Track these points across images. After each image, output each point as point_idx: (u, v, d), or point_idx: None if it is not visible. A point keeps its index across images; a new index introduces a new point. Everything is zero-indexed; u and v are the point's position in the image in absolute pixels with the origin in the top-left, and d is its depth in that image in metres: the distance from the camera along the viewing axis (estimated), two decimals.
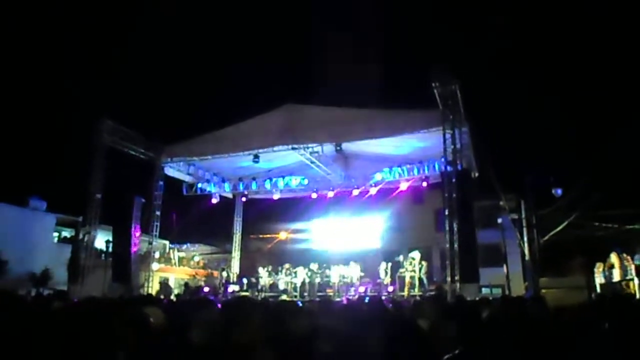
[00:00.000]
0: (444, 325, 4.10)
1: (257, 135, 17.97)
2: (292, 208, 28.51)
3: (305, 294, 18.91)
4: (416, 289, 17.27)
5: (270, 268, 20.90)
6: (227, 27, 64.77)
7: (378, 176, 20.32)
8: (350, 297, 16.78)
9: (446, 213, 14.72)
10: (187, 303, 6.88)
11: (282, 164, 20.53)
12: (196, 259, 33.01)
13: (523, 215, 20.73)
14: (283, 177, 21.52)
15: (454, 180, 14.62)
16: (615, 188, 19.70)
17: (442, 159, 15.58)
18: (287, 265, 20.32)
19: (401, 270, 18.06)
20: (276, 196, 22.91)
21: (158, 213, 20.34)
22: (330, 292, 19.02)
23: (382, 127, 16.61)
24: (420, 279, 17.53)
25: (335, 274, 19.35)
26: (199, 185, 22.08)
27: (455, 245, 14.06)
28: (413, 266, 17.73)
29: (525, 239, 20.52)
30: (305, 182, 21.55)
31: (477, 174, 18.19)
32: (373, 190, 21.02)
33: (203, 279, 27.67)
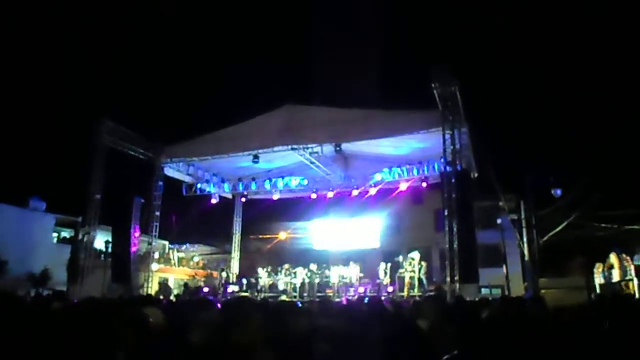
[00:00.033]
0: (444, 325, 4.11)
1: (256, 136, 17.97)
2: (291, 208, 28.55)
3: (305, 294, 18.91)
4: (416, 290, 17.27)
5: (269, 268, 20.90)
6: (227, 28, 64.79)
7: (377, 176, 20.32)
8: (350, 298, 16.79)
9: (446, 213, 14.72)
10: (187, 303, 6.88)
11: (281, 164, 20.53)
12: (196, 259, 32.99)
13: (522, 216, 20.74)
14: (283, 177, 21.52)
15: (453, 180, 14.62)
16: (615, 188, 19.71)
17: (442, 160, 15.58)
18: (286, 266, 20.32)
19: (401, 270, 18.06)
20: (276, 196, 22.91)
21: (157, 213, 20.33)
22: (329, 292, 19.01)
23: (381, 128, 16.62)
24: (419, 280, 17.53)
25: (334, 275, 19.36)
26: (199, 185, 22.07)
27: (455, 246, 14.06)
28: (412, 266, 17.73)
29: (525, 239, 20.53)
30: (305, 182, 21.55)
31: (476, 175, 18.20)
32: (372, 191, 21.02)
33: (202, 279, 27.66)
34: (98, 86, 48.16)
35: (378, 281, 18.75)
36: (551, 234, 20.66)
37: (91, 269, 17.90)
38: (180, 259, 31.09)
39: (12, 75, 44.17)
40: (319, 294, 18.59)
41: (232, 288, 20.88)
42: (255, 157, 18.42)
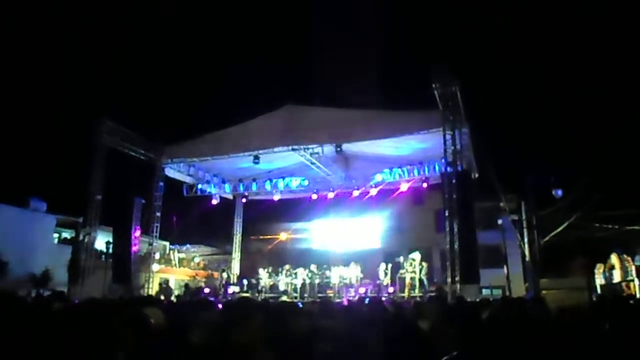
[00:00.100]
0: (444, 326, 4.11)
1: (257, 136, 17.97)
2: (292, 209, 28.53)
3: (306, 295, 18.92)
4: (416, 290, 17.26)
5: (270, 269, 20.89)
6: (227, 28, 64.81)
7: (378, 177, 20.32)
8: (351, 298, 16.78)
9: (446, 214, 14.71)
10: (188, 304, 6.89)
11: (282, 165, 20.53)
12: (196, 260, 33.00)
13: (523, 216, 20.72)
14: (283, 178, 21.53)
15: (454, 181, 14.61)
16: (616, 189, 19.68)
17: (443, 160, 15.57)
18: (287, 266, 20.32)
19: (401, 271, 18.06)
20: (276, 197, 22.92)
21: (158, 214, 20.33)
22: (330, 293, 19.02)
23: (382, 128, 16.62)
24: (420, 280, 17.53)
25: (335, 275, 19.36)
26: (199, 186, 22.07)
27: (456, 246, 14.04)
28: (413, 267, 17.73)
29: (526, 240, 20.51)
30: (306, 183, 21.55)
31: (477, 175, 18.19)
32: (373, 191, 21.01)
33: (203, 280, 27.65)
34: (98, 86, 48.21)
35: (378, 282, 18.75)
36: (552, 234, 20.64)
37: (92, 269, 17.90)
38: (181, 260, 31.10)
39: (13, 75, 44.21)
40: (320, 295, 18.61)
41: (232, 289, 20.88)
42: (256, 157, 18.42)
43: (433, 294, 14.88)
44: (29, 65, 49.00)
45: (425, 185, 19.82)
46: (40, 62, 51.88)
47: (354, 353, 3.47)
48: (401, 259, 18.69)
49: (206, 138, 19.11)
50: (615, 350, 3.40)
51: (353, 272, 19.09)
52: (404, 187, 20.32)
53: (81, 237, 19.84)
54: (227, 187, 22.63)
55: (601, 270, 19.06)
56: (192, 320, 3.58)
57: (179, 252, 31.83)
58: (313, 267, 19.80)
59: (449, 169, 14.96)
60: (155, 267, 22.02)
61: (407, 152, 18.56)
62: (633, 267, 16.92)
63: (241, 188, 22.54)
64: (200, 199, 22.78)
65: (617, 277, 17.93)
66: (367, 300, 8.50)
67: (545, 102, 41.89)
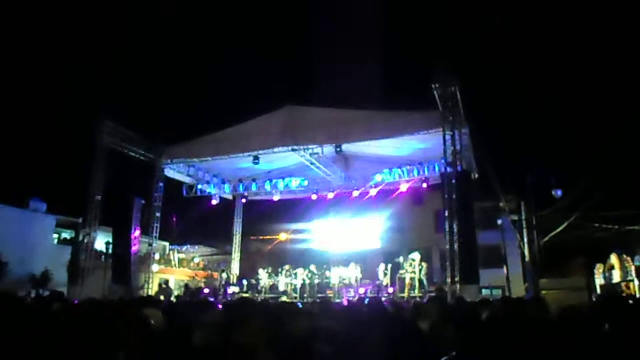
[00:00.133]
0: (444, 326, 4.11)
1: (257, 137, 17.97)
2: (292, 209, 28.53)
3: (305, 295, 18.91)
4: (416, 290, 17.26)
5: (270, 269, 20.88)
6: (227, 29, 64.82)
7: (378, 177, 20.32)
8: (350, 299, 16.78)
9: (446, 214, 14.72)
10: (188, 304, 6.89)
11: (282, 165, 20.53)
12: (196, 260, 33.01)
13: (523, 217, 20.71)
14: (283, 178, 21.54)
15: (453, 181, 14.62)
16: (616, 189, 19.68)
17: (442, 160, 15.59)
18: (287, 267, 20.32)
19: (401, 271, 18.06)
20: (276, 197, 22.93)
21: (158, 214, 20.34)
22: (330, 293, 19.01)
23: (382, 129, 16.62)
24: (420, 280, 17.52)
25: (335, 276, 19.36)
26: (199, 186, 22.07)
27: (455, 247, 14.06)
28: (413, 267, 17.73)
29: (525, 240, 20.50)
30: (305, 183, 21.56)
31: (477, 175, 18.20)
32: (373, 192, 21.02)
33: (203, 280, 27.65)
34: (99, 87, 48.20)
35: (378, 282, 18.75)
36: (552, 234, 20.62)
37: (92, 270, 17.89)
38: (180, 260, 31.12)
39: (13, 76, 44.20)
40: (319, 295, 18.60)
41: (232, 289, 20.88)
42: (256, 158, 18.42)
43: (433, 294, 14.92)
44: (29, 65, 48.99)
45: (425, 185, 19.82)
46: (40, 62, 51.89)
47: (354, 353, 3.48)
48: (401, 259, 18.68)
49: (206, 138, 19.11)
50: (615, 350, 3.40)
51: (353, 273, 19.08)
52: (403, 187, 20.33)
53: (81, 238, 19.85)
54: (227, 187, 22.63)
55: (601, 271, 19.05)
56: (193, 321, 3.58)
57: (178, 252, 31.86)
58: (313, 267, 19.79)
59: (448, 169, 14.97)
60: (155, 267, 22.02)
61: (406, 153, 18.56)
62: (633, 268, 16.90)
63: (241, 188, 22.54)
64: (200, 199, 22.78)
65: (616, 277, 17.91)
66: (366, 301, 8.51)
67: (545, 102, 41.92)
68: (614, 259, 18.05)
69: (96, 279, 18.12)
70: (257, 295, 19.64)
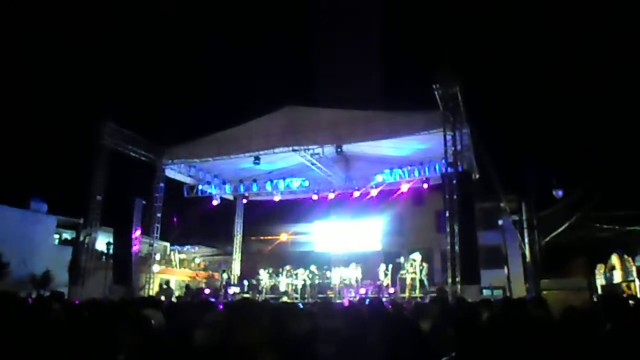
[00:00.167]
0: (444, 327, 4.11)
1: (257, 137, 17.97)
2: (293, 210, 28.55)
3: (306, 296, 18.91)
4: (417, 291, 17.24)
5: (271, 270, 20.87)
6: (228, 29, 64.84)
7: (379, 178, 20.31)
8: (351, 299, 16.78)
9: (447, 215, 14.70)
10: (188, 305, 6.89)
11: (283, 165, 20.52)
12: (197, 260, 33.05)
13: (524, 217, 20.72)
14: (284, 178, 21.53)
15: (454, 181, 14.60)
16: (617, 189, 19.67)
17: (443, 161, 15.56)
18: (287, 267, 20.31)
19: (402, 271, 18.05)
20: (277, 198, 22.93)
21: (159, 215, 20.32)
22: (331, 294, 19.00)
23: (382, 129, 16.60)
24: (421, 281, 17.51)
25: (336, 276, 19.35)
26: (200, 187, 22.06)
27: (456, 247, 14.03)
28: (414, 268, 17.72)
29: (526, 240, 20.51)
30: (306, 183, 21.55)
31: (477, 176, 18.18)
32: (374, 192, 21.00)
33: (204, 280, 27.69)
34: (100, 87, 48.23)
35: (379, 282, 18.75)
36: (553, 235, 20.65)
37: (92, 270, 17.89)
38: (181, 261, 31.16)
39: (14, 76, 44.25)
40: (320, 296, 18.59)
41: (233, 289, 20.87)
42: (257, 158, 18.41)
43: (434, 295, 14.91)
44: (30, 66, 49.03)
45: (425, 186, 19.80)
46: (42, 63, 51.94)
47: (355, 354, 3.48)
48: (402, 259, 18.68)
49: (207, 139, 19.11)
50: (617, 350, 3.40)
51: (353, 273, 19.07)
52: (404, 187, 20.31)
53: (82, 238, 19.86)
54: (228, 187, 22.62)
55: (602, 271, 19.06)
56: (194, 322, 3.58)
57: (179, 252, 31.89)
58: (313, 268, 19.79)
59: (449, 169, 14.95)
60: (155, 268, 22.01)
61: (407, 153, 18.55)
62: (634, 268, 16.91)
63: (242, 189, 22.53)
64: (201, 200, 22.77)
65: (617, 277, 17.92)
66: (367, 301, 8.50)
67: (546, 102, 41.90)
68: (615, 259, 18.06)
69: (97, 279, 18.13)
70: (258, 295, 19.63)
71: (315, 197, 22.04)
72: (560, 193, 19.22)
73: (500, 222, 22.47)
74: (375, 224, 24.31)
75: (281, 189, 21.95)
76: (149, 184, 20.04)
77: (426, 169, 18.65)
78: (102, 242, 22.22)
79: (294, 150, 17.94)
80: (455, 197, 14.41)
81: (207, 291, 21.84)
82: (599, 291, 17.97)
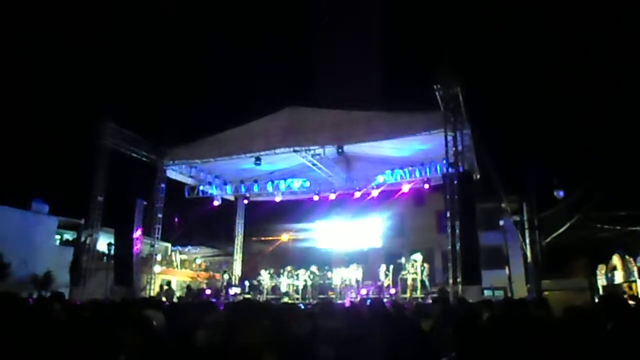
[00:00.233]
0: (445, 327, 4.11)
1: (259, 138, 17.98)
2: (294, 210, 28.56)
3: (307, 296, 18.91)
4: (418, 291, 17.24)
5: (272, 270, 20.86)
6: (230, 30, 64.88)
7: (380, 178, 20.30)
8: (353, 300, 16.77)
9: (448, 215, 14.69)
10: (190, 306, 6.89)
11: (284, 166, 20.53)
12: (198, 261, 33.08)
13: (525, 217, 20.69)
14: (285, 179, 21.54)
15: (455, 182, 14.60)
16: (617, 189, 19.65)
17: (444, 161, 15.56)
18: (288, 268, 20.30)
19: (403, 272, 18.04)
20: (278, 198, 22.93)
21: (160, 215, 20.33)
22: (332, 294, 18.99)
23: (383, 130, 16.60)
24: (422, 281, 17.51)
25: (337, 277, 19.35)
26: (201, 187, 22.06)
27: (457, 247, 14.02)
28: (415, 268, 17.71)
29: (527, 240, 20.49)
30: (307, 184, 21.56)
31: (478, 176, 18.17)
32: (375, 193, 21.00)
33: (205, 281, 27.69)
34: (100, 88, 48.30)
35: (380, 283, 18.74)
36: (554, 235, 20.62)
37: (94, 271, 17.92)
38: (182, 261, 31.20)
39: (14, 77, 44.32)
40: (321, 296, 18.58)
41: (234, 290, 20.86)
42: (258, 159, 18.41)
43: (435, 295, 14.90)
44: (30, 66, 49.11)
45: (426, 186, 19.77)
46: (41, 63, 52.00)
47: (356, 354, 3.48)
48: (403, 260, 18.68)
49: (208, 140, 19.12)
50: (618, 350, 3.40)
51: (354, 274, 19.06)
52: (405, 188, 20.30)
53: (83, 239, 19.90)
54: (229, 188, 22.63)
55: (603, 271, 19.05)
56: (195, 322, 3.59)
57: (180, 253, 31.91)
58: (314, 268, 19.78)
59: (450, 170, 14.94)
60: (157, 268, 22.03)
61: (408, 153, 18.54)
62: (635, 268, 16.89)
63: (243, 189, 22.54)
64: (202, 201, 22.77)
65: (619, 278, 17.91)
66: (368, 302, 8.49)
67: (547, 102, 41.88)
68: (616, 259, 18.05)
69: (98, 280, 18.15)
70: (259, 296, 19.63)
71: (316, 197, 22.04)
72: (561, 193, 19.20)
73: (501, 222, 22.48)
74: (376, 225, 24.30)
75: (282, 189, 21.96)
76: (150, 185, 20.06)
77: (427, 169, 18.65)
78: (103, 242, 22.25)
79: (295, 151, 17.94)
80: (456, 197, 14.40)
81: (208, 292, 21.84)
82: (601, 292, 17.95)
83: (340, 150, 17.56)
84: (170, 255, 31.04)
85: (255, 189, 22.25)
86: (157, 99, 55.06)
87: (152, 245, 20.83)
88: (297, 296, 19.18)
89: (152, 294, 19.31)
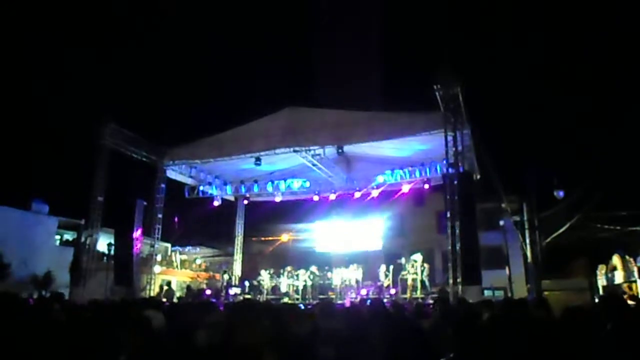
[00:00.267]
0: (445, 327, 4.11)
1: (259, 138, 17.98)
2: (294, 210, 28.56)
3: (307, 296, 18.91)
4: (418, 292, 17.24)
5: (272, 271, 20.86)
6: (229, 30, 64.90)
7: (380, 178, 20.30)
8: (353, 300, 16.78)
9: (448, 215, 14.69)
10: (190, 306, 6.89)
11: (284, 166, 20.52)
12: (198, 261, 33.07)
13: (525, 217, 20.69)
14: (285, 179, 21.54)
15: (455, 182, 14.59)
16: (617, 189, 19.64)
17: (444, 161, 15.55)
18: (289, 268, 20.30)
19: (403, 272, 18.04)
20: (278, 199, 22.93)
21: (160, 216, 20.33)
22: (332, 294, 19.00)
23: (383, 130, 16.60)
24: (422, 282, 17.51)
25: (336, 277, 19.36)
26: (201, 187, 22.06)
27: (457, 248, 14.01)
28: (415, 268, 17.71)
29: (528, 241, 20.48)
30: (307, 184, 21.55)
31: (479, 176, 18.17)
32: (375, 193, 21.00)
33: (205, 281, 27.68)
34: (100, 88, 48.30)
35: (379, 283, 18.75)
36: (554, 235, 20.61)
37: (94, 271, 17.91)
38: (182, 262, 31.18)
39: (15, 77, 44.33)
40: (321, 297, 18.58)
41: (234, 290, 20.85)
42: (258, 159, 18.41)
43: (435, 296, 14.90)
44: (30, 66, 49.12)
45: (426, 186, 19.77)
46: (41, 63, 52.01)
47: (356, 354, 3.48)
48: (403, 260, 18.68)
49: (208, 140, 19.12)
50: (618, 350, 3.40)
51: (354, 274, 19.07)
52: (405, 188, 20.30)
53: (83, 239, 19.90)
54: (229, 188, 22.63)
55: (603, 272, 19.03)
56: (195, 322, 3.59)
57: (180, 253, 31.91)
58: (314, 268, 19.78)
59: (450, 170, 14.94)
60: (156, 268, 22.02)
61: (408, 154, 18.54)
62: (635, 268, 16.88)
63: (243, 190, 22.53)
64: (202, 201, 22.76)
65: (619, 278, 17.89)
66: (368, 302, 8.50)
67: (547, 103, 41.88)
68: (616, 259, 18.03)
69: (98, 280, 18.14)
70: (259, 296, 19.63)
71: (316, 197, 22.04)
72: (561, 194, 19.20)
73: (501, 222, 22.48)
74: (377, 225, 24.30)
75: (282, 189, 21.95)
76: (150, 185, 20.06)
77: (427, 169, 18.64)
78: (103, 243, 22.25)
79: (295, 151, 17.94)
80: (456, 197, 14.40)
81: (208, 292, 21.84)
82: (601, 292, 17.95)
83: (340, 151, 17.56)
84: (170, 255, 31.04)
85: (255, 189, 22.25)
86: (157, 99, 55.07)
87: (152, 246, 20.83)
88: (297, 296, 19.18)
89: (152, 294, 19.30)
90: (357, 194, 21.36)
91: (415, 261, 17.86)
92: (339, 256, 23.52)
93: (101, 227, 18.54)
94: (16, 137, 41.77)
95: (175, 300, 19.66)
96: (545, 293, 16.85)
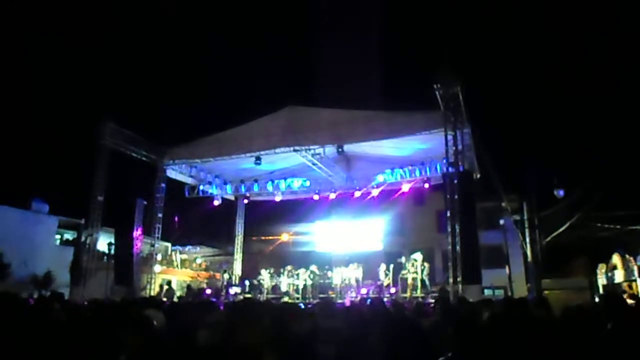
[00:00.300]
0: (445, 326, 4.11)
1: (258, 137, 17.97)
2: (294, 210, 28.57)
3: (308, 296, 18.91)
4: (418, 291, 17.23)
5: (272, 270, 20.86)
6: (229, 30, 64.88)
7: (380, 178, 20.31)
8: (353, 299, 16.78)
9: (448, 214, 14.69)
10: (190, 305, 6.89)
11: (284, 165, 20.53)
12: (198, 261, 33.09)
13: (525, 217, 20.70)
14: (285, 178, 21.53)
15: (455, 181, 14.59)
16: (617, 189, 19.65)
17: (444, 161, 15.55)
18: (289, 267, 20.29)
19: (403, 271, 18.03)
20: (278, 198, 22.93)
21: (160, 215, 20.32)
22: (332, 294, 18.99)
23: (383, 129, 16.59)
24: (422, 281, 17.50)
25: (337, 276, 19.35)
26: (201, 187, 22.06)
27: (457, 247, 14.01)
28: (415, 268, 17.70)
29: (528, 240, 20.49)
30: (307, 183, 21.55)
31: (479, 175, 18.17)
32: (375, 192, 21.00)
33: (205, 281, 27.70)
34: (100, 88, 48.31)
35: (380, 282, 18.75)
36: (554, 234, 20.63)
37: (94, 271, 17.91)
38: (182, 261, 31.21)
39: (14, 76, 44.33)
40: (322, 296, 18.57)
41: (234, 290, 20.85)
42: (258, 158, 18.41)
43: (435, 295, 14.91)
44: (30, 66, 49.12)
45: (426, 185, 19.78)
46: (41, 63, 52.00)
47: (356, 354, 3.48)
48: (403, 259, 18.67)
49: (208, 139, 19.12)
50: (618, 349, 3.40)
51: (354, 273, 19.06)
52: (405, 187, 20.30)
53: (83, 239, 19.90)
54: (229, 188, 22.63)
55: (603, 271, 19.02)
56: (195, 322, 3.59)
57: (180, 253, 31.93)
58: (314, 268, 19.77)
59: (450, 169, 14.93)
60: (157, 268, 22.03)
61: (408, 153, 18.54)
62: (636, 267, 16.87)
63: (243, 189, 22.53)
64: (202, 200, 22.77)
65: (619, 277, 17.88)
66: (368, 301, 8.50)
67: (547, 102, 41.87)
68: (616, 258, 18.02)
69: (98, 279, 18.15)
70: (259, 296, 19.61)
71: (316, 197, 22.04)
72: (561, 193, 19.20)
73: (501, 221, 22.48)
74: (377, 224, 24.30)
75: (282, 189, 21.95)
76: (150, 185, 20.06)
77: (427, 168, 18.64)
78: (104, 242, 22.24)
79: (295, 151, 17.94)
80: (456, 196, 14.40)
81: (208, 291, 21.83)
82: (601, 291, 17.94)
83: (340, 150, 17.55)
84: (171, 254, 31.06)
85: (256, 188, 22.24)
86: (157, 99, 55.08)
87: (152, 245, 20.83)
88: (297, 296, 19.18)
89: (152, 294, 19.31)
90: (357, 193, 21.37)
91: (416, 260, 17.85)
92: (339, 255, 23.52)
93: (101, 227, 18.53)
94: (16, 137, 41.79)
95: (175, 299, 19.66)
96: (546, 292, 16.84)
